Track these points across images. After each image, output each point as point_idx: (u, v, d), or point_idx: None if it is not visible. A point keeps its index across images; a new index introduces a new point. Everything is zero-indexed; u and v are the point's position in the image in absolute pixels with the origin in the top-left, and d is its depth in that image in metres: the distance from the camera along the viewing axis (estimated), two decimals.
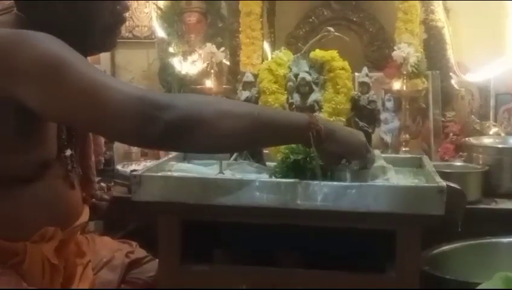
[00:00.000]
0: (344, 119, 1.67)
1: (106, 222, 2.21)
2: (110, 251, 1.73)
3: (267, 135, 1.36)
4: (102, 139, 1.82)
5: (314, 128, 1.34)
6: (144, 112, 1.22)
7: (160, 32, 2.87)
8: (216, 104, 1.31)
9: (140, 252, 1.79)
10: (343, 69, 1.69)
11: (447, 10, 2.61)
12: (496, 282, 1.02)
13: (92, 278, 1.60)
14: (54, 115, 1.28)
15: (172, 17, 2.85)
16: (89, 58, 1.61)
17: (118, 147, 2.57)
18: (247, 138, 1.34)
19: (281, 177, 1.52)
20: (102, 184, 1.85)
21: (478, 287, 1.05)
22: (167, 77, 2.84)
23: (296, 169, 1.51)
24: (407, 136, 2.43)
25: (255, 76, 1.86)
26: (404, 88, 2.41)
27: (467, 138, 2.38)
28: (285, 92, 1.73)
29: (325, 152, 1.40)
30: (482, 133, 2.47)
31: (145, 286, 1.73)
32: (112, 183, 2.01)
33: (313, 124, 1.34)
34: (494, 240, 1.87)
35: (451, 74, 2.58)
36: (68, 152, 1.48)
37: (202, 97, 1.32)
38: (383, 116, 2.38)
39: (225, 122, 1.27)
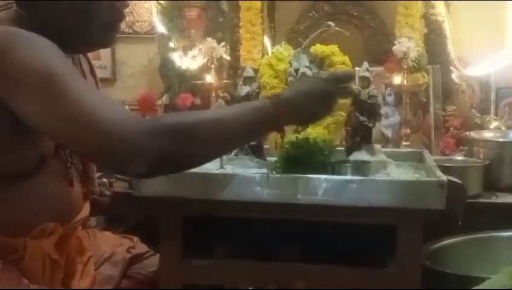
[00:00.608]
0: (344, 114, 1.67)
1: (107, 217, 2.21)
2: (111, 246, 1.73)
3: (244, 139, 1.45)
4: None
5: (278, 118, 1.35)
6: (128, 152, 1.22)
7: (161, 28, 2.86)
8: (194, 129, 1.29)
9: (141, 247, 1.79)
10: (343, 63, 1.70)
11: (447, 4, 2.60)
12: (504, 276, 1.02)
13: (93, 273, 1.60)
14: (40, 129, 1.28)
15: (172, 12, 2.85)
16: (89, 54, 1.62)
17: None
18: (224, 150, 1.44)
19: (282, 172, 1.52)
20: (104, 180, 1.84)
21: (486, 282, 1.05)
22: (167, 72, 2.84)
23: (296, 164, 1.52)
24: (408, 130, 2.43)
25: (256, 71, 1.86)
26: (405, 82, 2.41)
27: (467, 132, 2.37)
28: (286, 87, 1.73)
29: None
30: (482, 127, 2.47)
31: (147, 281, 1.73)
32: (114, 179, 2.00)
33: (275, 113, 1.34)
34: (494, 234, 1.87)
35: (451, 68, 2.58)
36: (67, 150, 1.48)
37: (179, 122, 1.31)
38: (383, 110, 2.37)
39: (203, 147, 1.30)
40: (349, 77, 1.48)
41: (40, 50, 1.24)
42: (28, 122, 1.26)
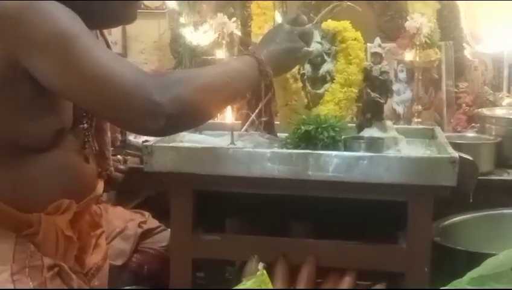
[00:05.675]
0: (356, 91, 1.66)
1: (119, 192, 2.22)
2: (123, 221, 1.74)
3: (240, 92, 1.47)
4: None
5: (263, 72, 1.45)
6: (146, 111, 1.25)
7: (172, 3, 2.85)
8: (203, 86, 1.34)
9: (152, 222, 1.81)
10: (355, 39, 1.68)
11: None
12: None
13: (105, 247, 1.62)
14: (57, 90, 1.29)
15: None
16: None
17: None
18: (228, 101, 1.47)
19: (292, 148, 1.52)
20: (119, 156, 1.85)
21: (499, 255, 1.04)
22: (178, 47, 2.83)
23: (307, 140, 1.51)
24: (420, 107, 2.42)
25: None
26: (417, 59, 2.39)
27: (479, 109, 2.36)
28: None
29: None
30: (494, 104, 2.45)
31: (157, 256, 1.74)
32: (128, 157, 2.01)
33: (261, 67, 1.44)
34: (505, 211, 1.87)
35: (464, 44, 2.56)
36: (85, 125, 1.48)
37: (191, 77, 1.37)
38: (395, 87, 2.36)
39: (213, 101, 1.37)
40: (310, 31, 1.63)
41: (57, 14, 1.25)
42: (47, 85, 1.27)
